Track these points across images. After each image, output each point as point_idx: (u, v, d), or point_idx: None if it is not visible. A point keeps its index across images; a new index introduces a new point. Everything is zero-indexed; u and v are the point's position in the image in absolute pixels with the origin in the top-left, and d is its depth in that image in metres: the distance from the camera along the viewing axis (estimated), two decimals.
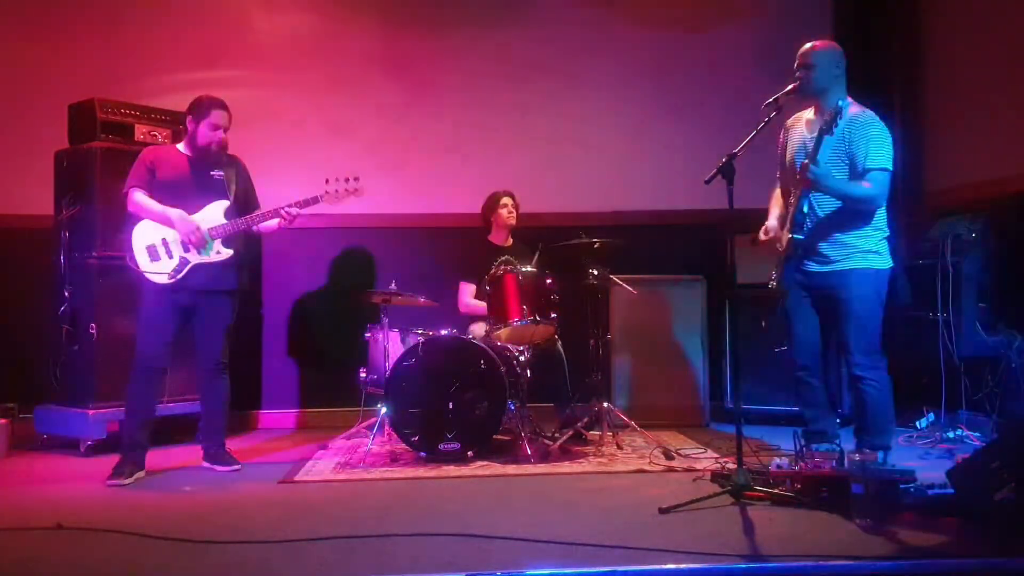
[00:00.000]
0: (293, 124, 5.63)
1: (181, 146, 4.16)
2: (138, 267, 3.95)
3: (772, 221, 3.87)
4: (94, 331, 4.57)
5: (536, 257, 4.70)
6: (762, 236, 3.85)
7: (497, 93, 5.81)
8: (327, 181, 4.09)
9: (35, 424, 4.87)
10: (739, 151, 3.40)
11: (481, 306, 4.70)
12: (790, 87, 3.63)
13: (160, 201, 3.97)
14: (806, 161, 3.53)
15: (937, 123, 5.37)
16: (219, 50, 5.63)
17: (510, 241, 5.11)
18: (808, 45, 3.70)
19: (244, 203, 4.13)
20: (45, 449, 4.78)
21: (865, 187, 3.58)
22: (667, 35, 5.86)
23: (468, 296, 5.00)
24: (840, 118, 3.50)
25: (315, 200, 4.06)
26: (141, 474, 3.95)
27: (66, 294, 4.72)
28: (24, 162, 5.26)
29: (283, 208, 4.02)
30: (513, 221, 5.05)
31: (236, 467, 4.11)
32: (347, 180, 4.10)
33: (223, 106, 4.05)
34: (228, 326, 4.13)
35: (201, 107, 4.02)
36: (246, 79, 5.63)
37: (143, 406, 4.01)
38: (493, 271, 4.42)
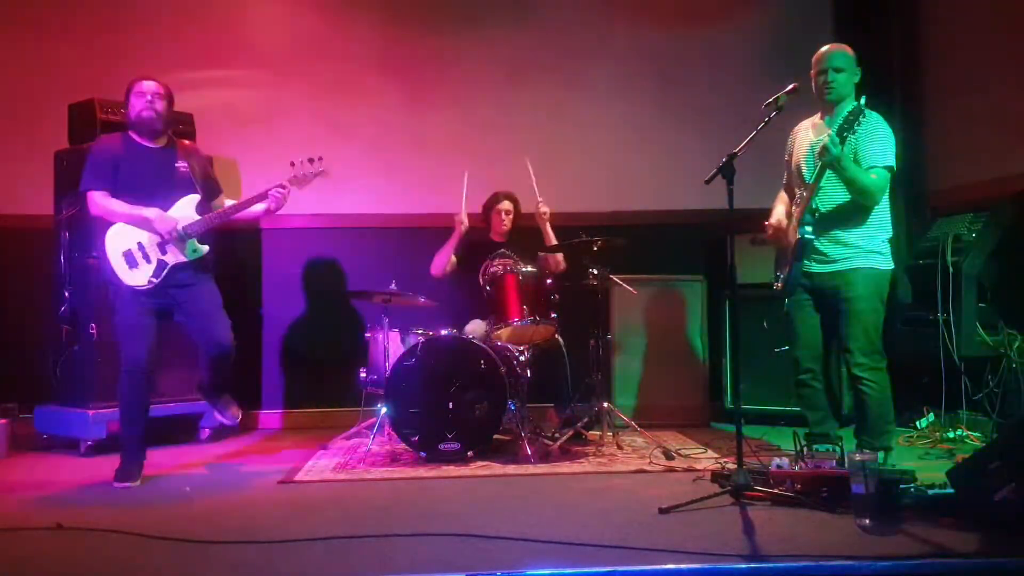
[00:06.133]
0: (293, 124, 5.61)
1: (133, 133, 3.96)
2: (118, 278, 3.79)
3: (777, 216, 3.87)
4: (94, 331, 4.56)
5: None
6: (769, 230, 3.84)
7: (497, 93, 5.81)
8: (292, 164, 3.97)
9: (35, 424, 4.87)
10: (739, 151, 3.40)
11: (447, 252, 4.88)
12: (791, 86, 3.63)
13: (125, 200, 3.80)
14: (825, 141, 3.46)
15: (937, 123, 5.36)
16: (219, 50, 5.63)
17: (509, 237, 5.11)
18: (832, 48, 3.71)
19: (207, 194, 3.99)
20: (45, 449, 4.79)
21: (872, 178, 3.59)
22: (667, 35, 5.85)
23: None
24: (863, 117, 3.46)
25: (282, 186, 3.91)
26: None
27: (66, 294, 4.72)
28: (24, 162, 5.26)
29: (271, 188, 3.89)
30: (505, 228, 5.05)
31: (237, 416, 4.00)
32: (311, 161, 3.96)
33: (148, 78, 3.94)
34: (221, 303, 3.97)
35: (128, 86, 3.94)
36: (246, 79, 5.64)
37: (135, 409, 3.86)
38: (493, 271, 4.41)
